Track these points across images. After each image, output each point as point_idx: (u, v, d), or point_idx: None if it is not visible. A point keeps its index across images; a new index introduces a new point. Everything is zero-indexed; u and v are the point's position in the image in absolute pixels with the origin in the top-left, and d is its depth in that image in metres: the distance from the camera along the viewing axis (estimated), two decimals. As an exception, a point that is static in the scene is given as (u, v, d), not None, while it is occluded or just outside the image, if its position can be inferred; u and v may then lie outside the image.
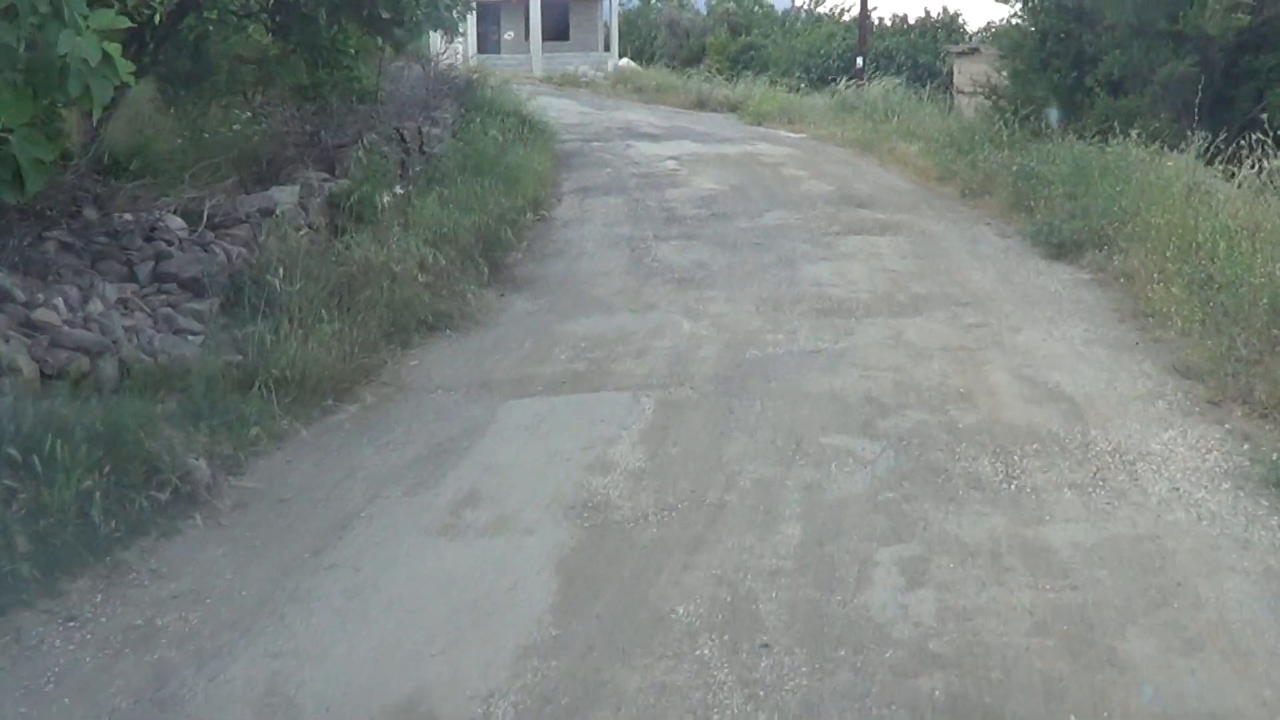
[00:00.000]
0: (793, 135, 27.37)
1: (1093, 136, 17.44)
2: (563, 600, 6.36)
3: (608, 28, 52.81)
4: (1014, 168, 16.43)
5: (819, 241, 15.24)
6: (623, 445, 8.44)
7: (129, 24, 7.77)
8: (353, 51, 16.54)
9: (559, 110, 31.19)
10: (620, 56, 48.25)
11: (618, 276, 13.74)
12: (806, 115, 29.49)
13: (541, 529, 7.22)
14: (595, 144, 25.37)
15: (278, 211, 12.14)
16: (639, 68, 43.25)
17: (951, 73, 36.32)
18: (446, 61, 24.50)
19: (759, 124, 29.94)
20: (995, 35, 22.30)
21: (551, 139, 24.34)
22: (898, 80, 33.07)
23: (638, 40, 52.86)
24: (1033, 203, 15.68)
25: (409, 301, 11.45)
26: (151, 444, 7.43)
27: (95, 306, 9.12)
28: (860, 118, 27.96)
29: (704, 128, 28.81)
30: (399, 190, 14.61)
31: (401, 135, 16.00)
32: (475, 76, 24.62)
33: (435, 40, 49.96)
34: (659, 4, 56.17)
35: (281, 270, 10.82)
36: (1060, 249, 13.86)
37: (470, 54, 45.13)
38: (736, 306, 12.18)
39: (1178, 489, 7.60)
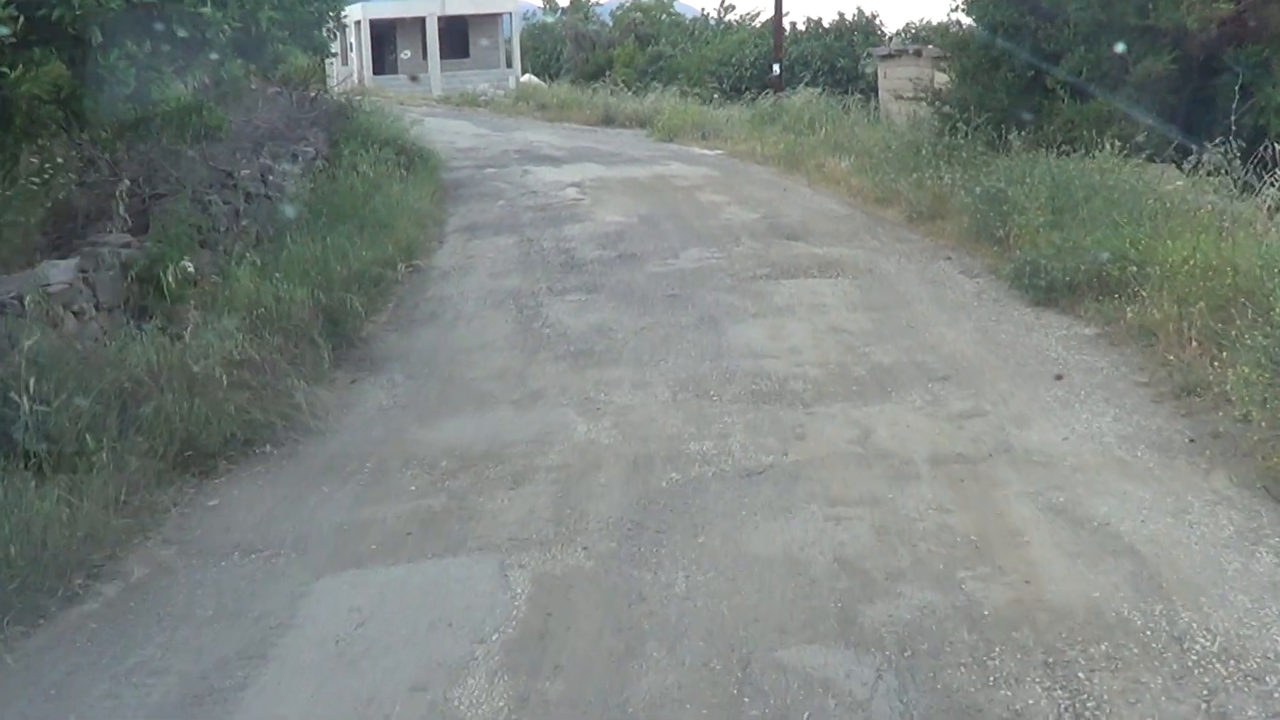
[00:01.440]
0: (708, 153, 24.34)
1: (1059, 146, 14.53)
2: None
3: (509, 44, 49.58)
4: (976, 189, 13.39)
5: (748, 290, 12.21)
6: (475, 680, 5.36)
7: None
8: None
9: (452, 133, 28.02)
10: (524, 73, 45.04)
11: (500, 350, 10.66)
12: (722, 129, 26.51)
13: None
14: (489, 171, 22.21)
15: (52, 293, 8.98)
16: (541, 84, 40.09)
17: (875, 78, 33.61)
18: (319, 86, 21.15)
19: (670, 140, 26.89)
20: (935, 31, 19.25)
21: (438, 168, 21.18)
22: (817, 89, 30.17)
23: (543, 55, 49.69)
24: (1001, 232, 12.72)
25: (213, 412, 8.32)
26: None
27: None
28: (781, 130, 25.05)
29: (611, 147, 25.71)
30: (227, 253, 11.31)
31: (234, 181, 12.70)
32: (352, 101, 21.21)
33: (333, 61, 46.63)
34: (563, 17, 52.95)
35: (33, 382, 7.62)
36: (1049, 294, 10.94)
37: (366, 76, 41.88)
38: (648, 394, 9.14)
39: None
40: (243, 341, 9.18)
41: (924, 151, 16.60)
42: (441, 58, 44.60)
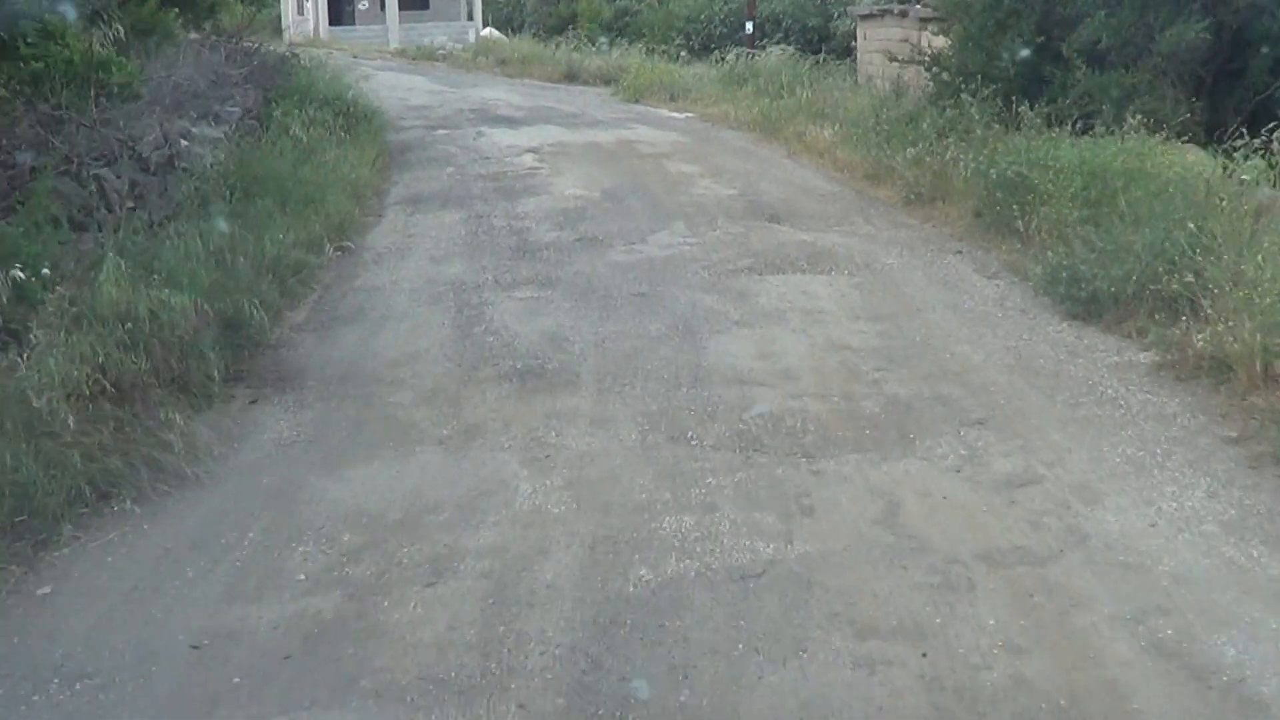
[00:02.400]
0: (677, 116, 22.24)
1: (1074, 122, 12.61)
2: None
3: (472, -6, 47.13)
4: (990, 172, 11.39)
5: (729, 289, 10.25)
6: None
7: None
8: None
9: (405, 90, 25.81)
10: (485, 26, 42.63)
11: (433, 363, 8.67)
12: (691, 90, 24.42)
13: None
14: (440, 133, 20.08)
15: None
16: (503, 38, 37.78)
17: (854, 38, 31.56)
18: (256, 38, 18.93)
19: (637, 101, 24.76)
20: None
21: (384, 130, 19.03)
22: (789, 48, 28.09)
23: (505, 7, 47.21)
24: (1020, 223, 10.75)
25: (56, 461, 6.29)
26: None
27: None
28: (754, 93, 22.99)
29: (573, 107, 23.57)
30: (107, 245, 9.18)
31: (135, 151, 10.57)
32: (292, 54, 18.95)
33: (288, 13, 44.03)
34: (528, -33, 50.49)
35: None
36: (1089, 306, 8.98)
37: (322, 27, 39.50)
38: (611, 435, 7.20)
39: None
40: (104, 363, 7.11)
41: (924, 125, 14.55)
42: (400, 9, 42.16)
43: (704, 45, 35.58)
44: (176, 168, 11.15)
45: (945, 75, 15.53)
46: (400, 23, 41.43)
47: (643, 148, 18.10)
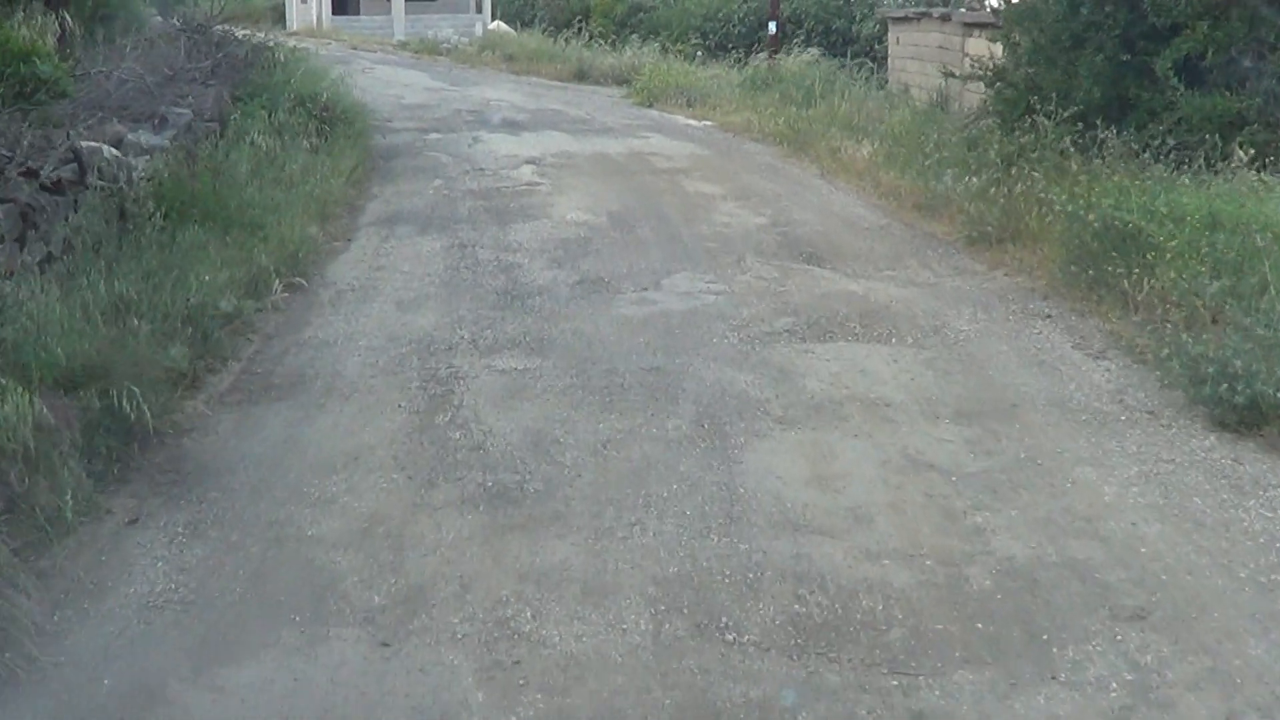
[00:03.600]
0: (695, 124, 19.82)
1: (1168, 154, 10.29)
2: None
3: (481, -14, 44.55)
4: (1089, 217, 9.02)
5: (766, 362, 7.96)
6: None
7: None
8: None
9: (402, 86, 23.39)
10: (494, 18, 40.10)
11: (376, 472, 6.36)
12: (710, 95, 21.99)
13: None
14: (433, 137, 17.68)
15: None
16: (511, 32, 35.32)
17: (884, 43, 29.19)
18: (226, 28, 16.51)
19: (651, 105, 22.31)
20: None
21: (370, 134, 16.62)
22: (816, 52, 25.71)
23: (515, 1, 44.64)
24: (1127, 283, 8.36)
25: None
26: None
27: None
28: (778, 100, 20.63)
29: (582, 110, 21.14)
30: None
31: (28, 166, 8.21)
32: (268, 45, 16.51)
33: (291, 1, 41.45)
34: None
35: None
36: (1248, 414, 6.58)
37: (325, 17, 37.10)
38: (612, 621, 5.00)
39: None
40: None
41: (989, 149, 12.16)
42: (407, -1, 39.66)
43: (721, 45, 33.18)
44: (90, 186, 8.74)
45: (1010, 92, 13.09)
46: (406, 14, 38.94)
47: (657, 161, 15.70)
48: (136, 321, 7.32)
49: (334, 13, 38.80)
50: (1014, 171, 11.42)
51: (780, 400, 7.30)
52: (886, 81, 23.35)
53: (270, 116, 13.33)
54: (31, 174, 8.12)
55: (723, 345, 8.32)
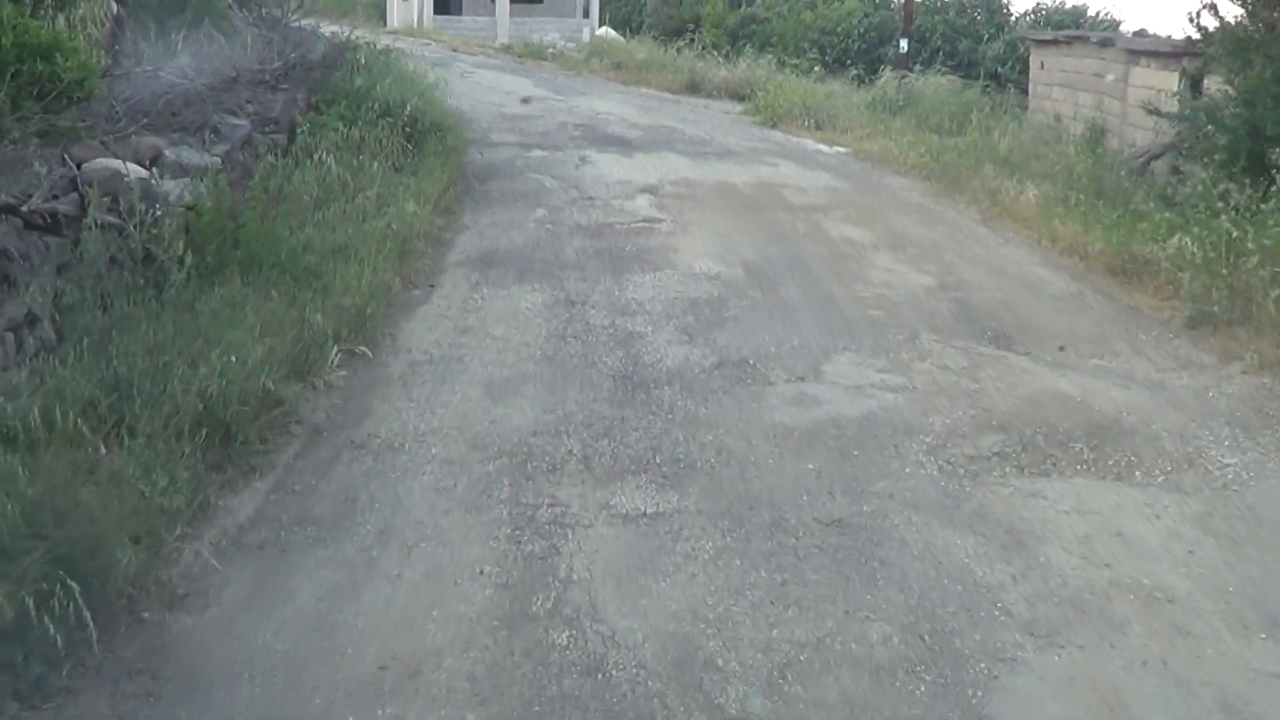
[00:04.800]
0: (826, 149, 17.35)
1: None
2: None
3: (589, -10, 42.19)
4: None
5: (984, 514, 5.70)
6: None
7: None
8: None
9: (503, 94, 21.10)
10: (601, 24, 37.75)
11: (440, 714, 3.86)
12: (839, 117, 19.43)
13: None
14: (536, 154, 15.36)
15: None
16: (619, 39, 32.97)
17: (1009, 65, 26.69)
18: (310, 21, 14.31)
19: (774, 125, 19.85)
20: (1197, 26, 11.94)
21: (466, 148, 14.31)
22: (949, 73, 23.23)
23: (624, 6, 42.25)
24: None
25: None
26: None
27: None
28: (913, 124, 18.16)
29: (699, 129, 18.73)
30: None
31: (9, 206, 6.02)
32: (353, 43, 14.27)
33: (394, 3, 39.36)
34: (650, -35, 45.50)
35: None
36: None
37: (426, 16, 35.02)
38: None
39: None
40: None
41: (1199, 205, 9.70)
42: (511, 1, 37.35)
43: (839, 61, 30.72)
44: (93, 222, 6.51)
45: (1226, 138, 10.55)
46: (511, 16, 36.67)
47: (791, 195, 13.30)
48: (125, 425, 5.01)
49: (435, 12, 36.69)
50: (1236, 235, 8.93)
51: (1021, 589, 4.92)
52: (1026, 109, 20.84)
53: (347, 129, 11.06)
54: (7, 209, 5.90)
55: (919, 479, 5.93)
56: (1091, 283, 10.10)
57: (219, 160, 9.09)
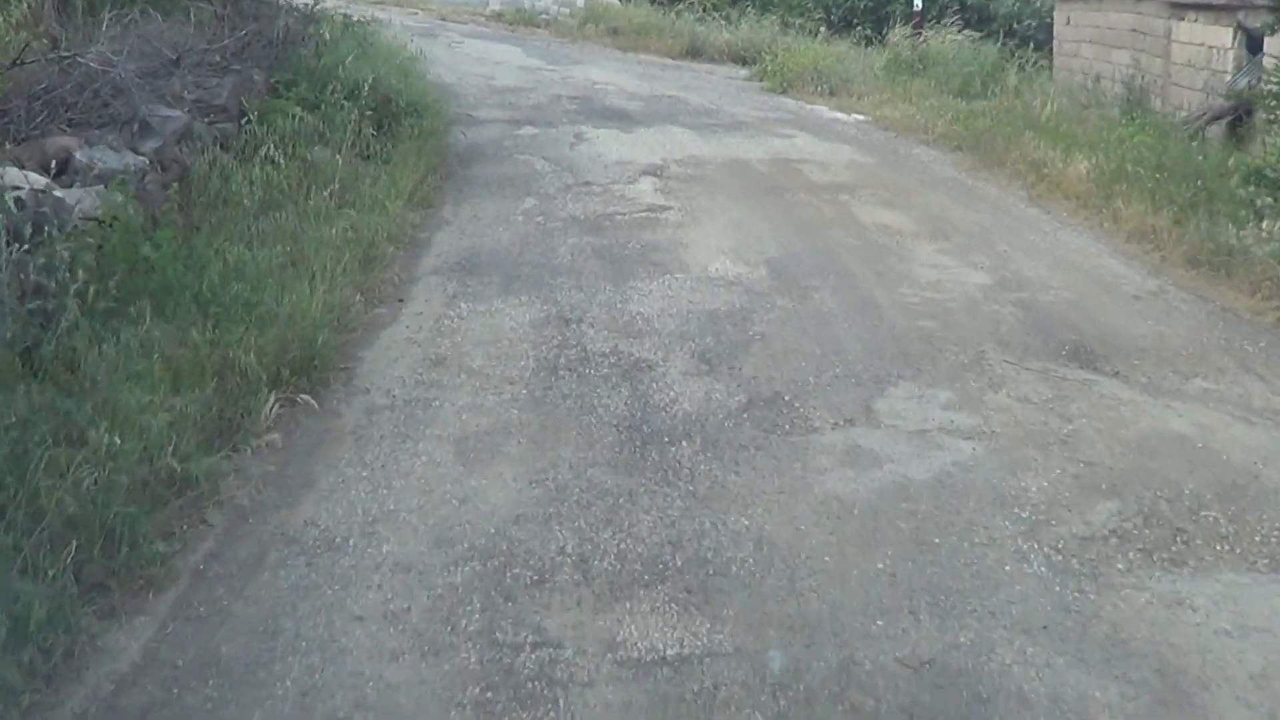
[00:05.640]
0: (843, 117, 15.67)
1: None
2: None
3: (585, -47, 40.11)
4: None
5: (1124, 647, 4.22)
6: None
7: None
8: None
9: (493, 65, 19.35)
10: (597, -14, 35.74)
11: None
12: (853, 80, 17.71)
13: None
14: (526, 132, 13.68)
15: None
16: (616, 2, 31.10)
17: (1025, 23, 25.03)
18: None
19: (784, 91, 18.12)
20: None
21: (449, 127, 12.68)
22: (973, 32, 21.52)
23: (620, -32, 40.21)
24: None
25: None
26: None
27: None
28: (933, 87, 16.46)
29: (703, 97, 17.02)
30: None
31: None
32: (318, 13, 12.55)
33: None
34: (646, -74, 43.43)
35: None
36: None
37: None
38: None
39: None
40: None
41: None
42: (504, -36, 35.33)
43: (845, 20, 28.93)
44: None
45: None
46: (504, -20, 34.71)
47: (811, 172, 11.66)
48: None
49: (425, -20, 34.71)
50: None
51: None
52: (1050, 68, 19.13)
53: (308, 114, 9.40)
54: None
55: (1026, 583, 4.37)
56: (1172, 277, 8.50)
57: (145, 161, 7.47)
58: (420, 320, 7.32)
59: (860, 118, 15.37)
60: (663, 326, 7.14)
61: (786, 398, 6.12)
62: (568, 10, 28.58)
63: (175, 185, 7.70)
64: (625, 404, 6.01)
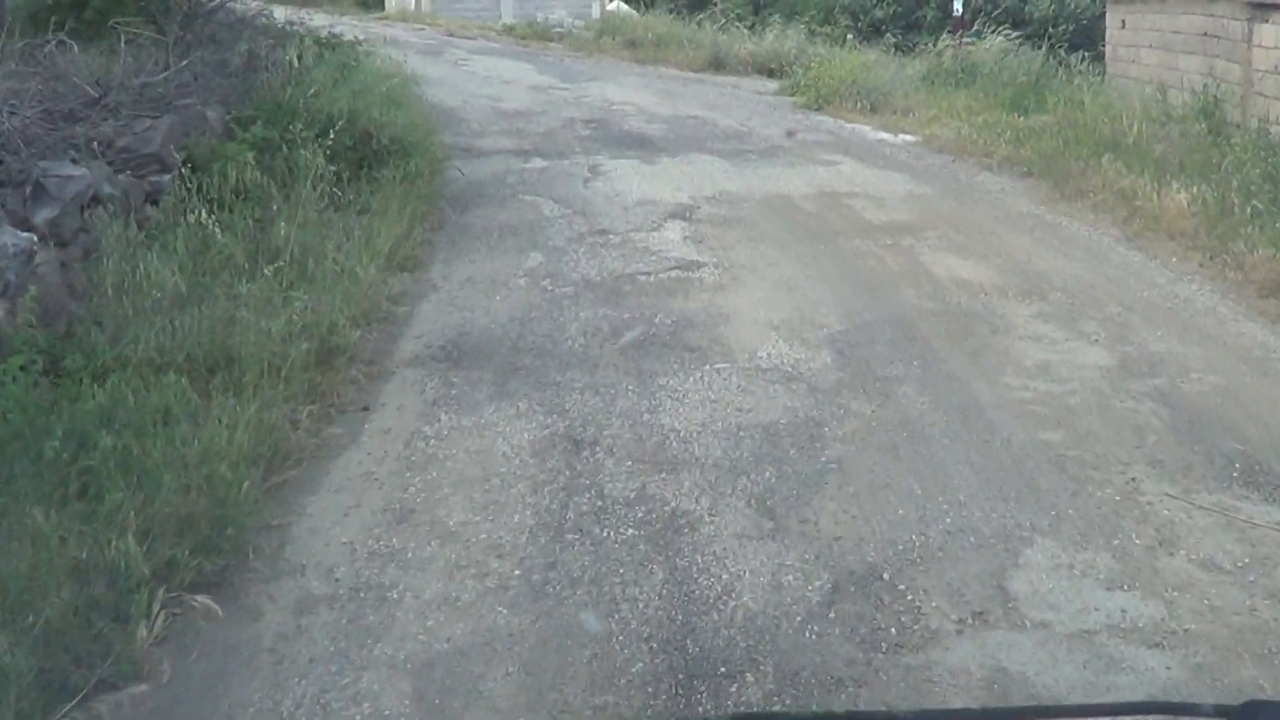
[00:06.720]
0: (889, 138, 13.69)
1: None
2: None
3: (599, -36, 38.14)
4: None
5: None
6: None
7: None
8: None
9: (502, 84, 17.42)
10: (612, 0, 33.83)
11: None
12: (892, 93, 15.74)
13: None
14: (535, 166, 11.75)
15: None
16: (633, 13, 29.17)
17: (1061, 27, 23.19)
18: (253, 6, 10.68)
19: (819, 109, 16.10)
20: None
21: (446, 161, 10.78)
22: (1015, 38, 19.62)
23: (638, -23, 38.27)
24: None
25: None
26: None
27: None
28: (982, 100, 14.48)
29: (731, 118, 15.06)
30: None
31: None
32: (294, 30, 10.63)
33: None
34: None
35: None
36: None
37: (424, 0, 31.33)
38: None
39: None
40: None
41: None
42: (516, -22, 33.43)
43: (873, 27, 27.10)
44: None
45: None
46: (516, -8, 32.85)
47: (864, 209, 9.75)
48: None
49: (435, -7, 32.92)
50: None
51: None
52: (1104, 74, 17.19)
53: (256, 161, 7.49)
54: None
55: None
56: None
57: (31, 239, 5.59)
58: (386, 442, 5.42)
59: (909, 138, 13.41)
60: (705, 453, 5.22)
61: (886, 575, 4.21)
62: (582, 22, 26.72)
63: (79, 266, 5.80)
64: (659, 596, 4.11)
